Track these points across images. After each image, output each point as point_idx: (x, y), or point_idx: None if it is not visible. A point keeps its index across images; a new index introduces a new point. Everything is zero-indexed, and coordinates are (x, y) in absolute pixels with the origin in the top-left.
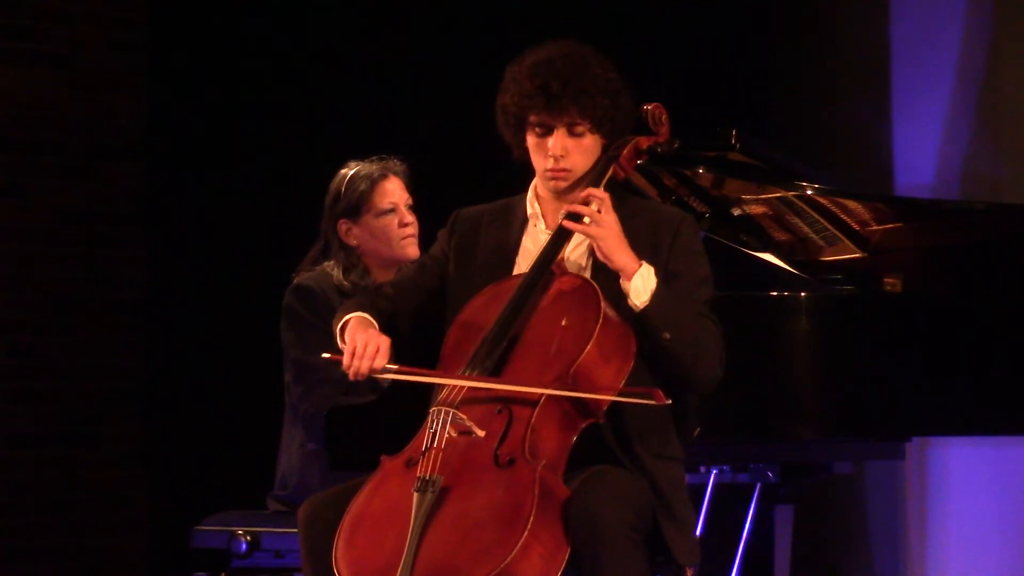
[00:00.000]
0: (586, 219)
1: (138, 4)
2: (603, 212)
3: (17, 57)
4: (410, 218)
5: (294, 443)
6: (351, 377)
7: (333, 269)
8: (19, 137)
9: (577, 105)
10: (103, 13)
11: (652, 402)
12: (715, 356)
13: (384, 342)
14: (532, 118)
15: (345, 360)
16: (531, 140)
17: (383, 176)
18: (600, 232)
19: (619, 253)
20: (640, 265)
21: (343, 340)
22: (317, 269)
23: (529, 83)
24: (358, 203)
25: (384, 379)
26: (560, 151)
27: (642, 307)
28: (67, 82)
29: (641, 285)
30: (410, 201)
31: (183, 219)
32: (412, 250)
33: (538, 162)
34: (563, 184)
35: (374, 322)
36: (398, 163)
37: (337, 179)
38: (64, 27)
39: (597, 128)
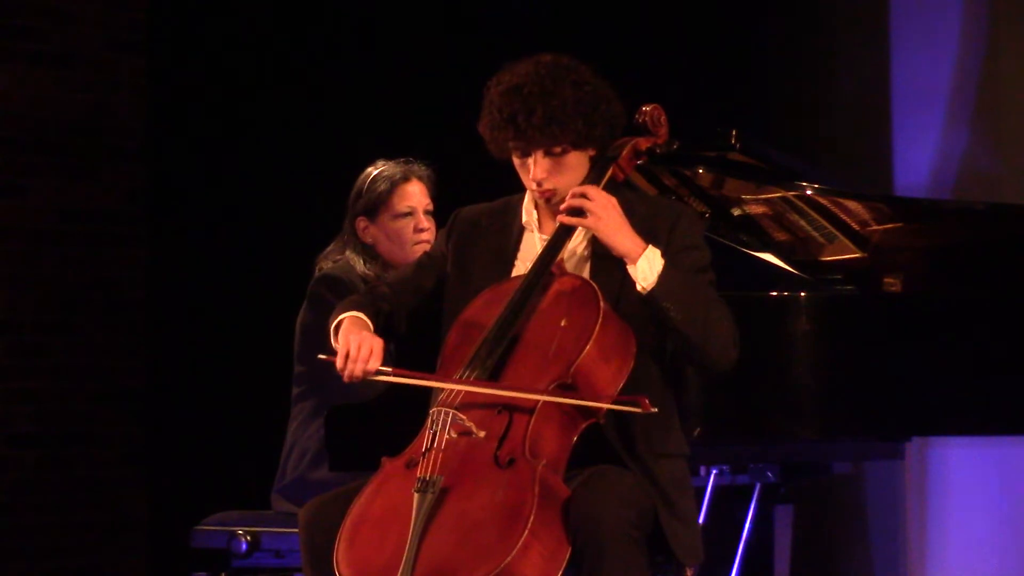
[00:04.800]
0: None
1: (138, 4)
2: (598, 201)
3: (17, 57)
4: (427, 224)
5: (308, 429)
6: (344, 379)
7: (355, 262)
8: (19, 137)
9: (545, 134)
10: (103, 13)
11: (638, 410)
12: (728, 335)
13: (377, 344)
14: (509, 144)
15: (338, 363)
16: (515, 161)
17: (404, 179)
18: (598, 222)
19: (621, 237)
20: (645, 247)
21: (336, 339)
22: (342, 259)
23: (498, 114)
24: (376, 203)
25: (376, 381)
26: (541, 175)
27: (649, 289)
28: (67, 82)
29: (648, 268)
30: (430, 206)
31: (183, 219)
32: None
33: (525, 181)
34: (555, 200)
35: (369, 323)
36: (422, 167)
37: (362, 176)
38: (64, 27)
39: (576, 147)
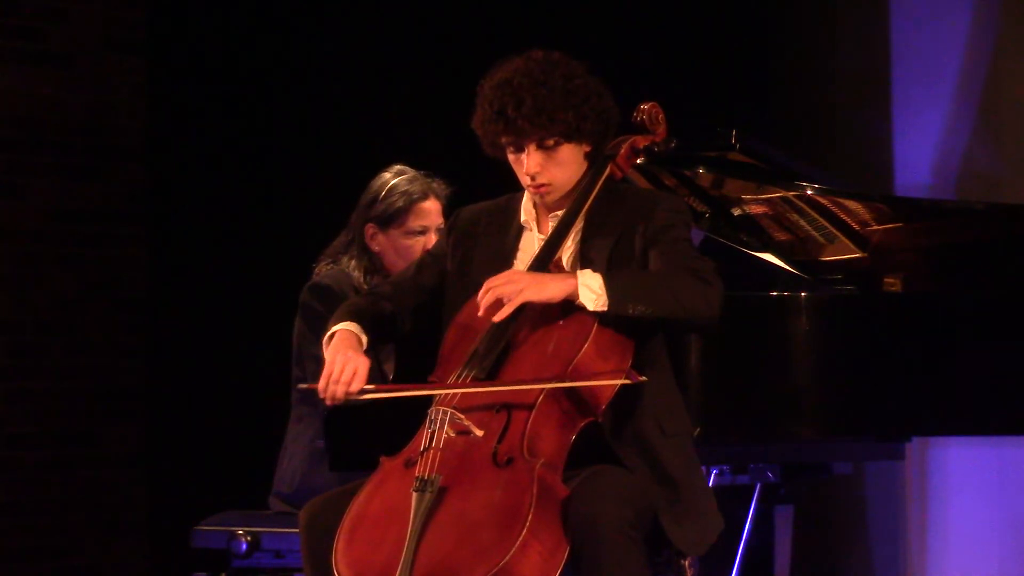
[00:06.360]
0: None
1: (138, 4)
2: (501, 282)
3: (17, 57)
4: None
5: (302, 439)
6: (327, 403)
7: (353, 270)
8: (19, 137)
9: (534, 125)
10: (103, 13)
11: (628, 381)
12: (699, 294)
13: (362, 364)
14: (501, 140)
15: (320, 385)
16: (509, 157)
17: (423, 196)
18: (521, 294)
19: (550, 290)
20: (575, 277)
21: (326, 352)
22: (336, 266)
23: (489, 108)
24: (391, 216)
25: (360, 401)
26: (535, 168)
27: (607, 304)
28: (67, 82)
29: (589, 291)
30: (443, 225)
31: (183, 219)
32: None
33: (520, 177)
34: (550, 197)
35: (361, 336)
36: (443, 185)
37: (379, 182)
38: (64, 27)
39: (568, 139)
